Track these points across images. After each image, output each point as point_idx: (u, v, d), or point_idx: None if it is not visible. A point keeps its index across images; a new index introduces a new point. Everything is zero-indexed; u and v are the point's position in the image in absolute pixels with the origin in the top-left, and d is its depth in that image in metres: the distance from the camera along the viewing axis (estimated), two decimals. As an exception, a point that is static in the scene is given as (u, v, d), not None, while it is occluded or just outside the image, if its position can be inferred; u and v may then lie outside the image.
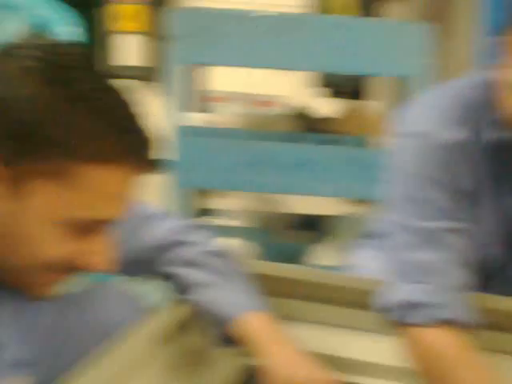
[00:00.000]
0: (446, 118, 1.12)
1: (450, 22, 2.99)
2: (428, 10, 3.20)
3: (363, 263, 1.39)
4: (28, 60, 0.84)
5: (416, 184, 1.11)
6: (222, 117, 2.63)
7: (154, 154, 0.90)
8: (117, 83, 0.89)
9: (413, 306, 1.07)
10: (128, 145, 0.87)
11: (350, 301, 1.21)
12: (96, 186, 0.86)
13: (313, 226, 2.71)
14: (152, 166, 0.91)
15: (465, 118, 1.12)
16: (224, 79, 3.40)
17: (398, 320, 1.09)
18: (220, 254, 1.15)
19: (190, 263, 1.13)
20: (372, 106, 3.08)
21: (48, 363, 1.06)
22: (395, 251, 1.12)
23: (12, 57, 0.84)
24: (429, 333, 1.07)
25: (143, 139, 0.89)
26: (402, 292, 1.09)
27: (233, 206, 2.85)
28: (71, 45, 0.90)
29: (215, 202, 3.14)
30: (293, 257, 2.45)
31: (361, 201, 3.22)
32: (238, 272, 1.15)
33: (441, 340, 1.06)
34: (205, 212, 2.78)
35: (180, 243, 1.15)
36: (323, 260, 2.40)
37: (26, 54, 0.84)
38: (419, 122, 1.13)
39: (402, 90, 3.44)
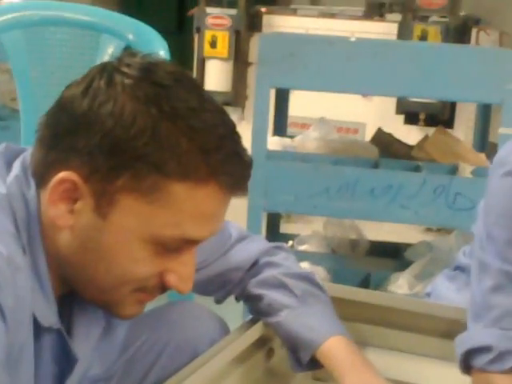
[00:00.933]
0: None
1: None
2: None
3: (446, 294, 1.36)
4: (124, 77, 0.84)
5: (507, 224, 1.07)
6: (304, 142, 2.64)
7: (248, 176, 0.88)
8: (216, 103, 0.87)
9: (500, 353, 1.03)
10: (223, 165, 0.84)
11: (429, 328, 1.20)
12: (187, 205, 0.84)
13: (391, 254, 2.69)
14: (245, 188, 0.88)
15: None
16: (307, 105, 3.42)
17: (479, 366, 1.05)
18: (304, 277, 1.15)
19: (275, 285, 1.13)
20: (454, 133, 3.05)
21: (118, 378, 1.08)
22: (477, 289, 1.08)
23: (108, 74, 0.85)
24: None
25: (239, 160, 0.86)
26: (482, 336, 1.05)
27: (304, 230, 2.84)
28: (166, 64, 0.88)
29: (287, 227, 3.15)
30: (365, 283, 2.43)
31: (443, 229, 3.18)
32: (321, 295, 1.15)
33: None
34: (278, 236, 2.78)
35: (267, 264, 1.15)
36: (398, 287, 2.37)
37: (121, 72, 0.85)
38: None
39: (484, 118, 3.40)
